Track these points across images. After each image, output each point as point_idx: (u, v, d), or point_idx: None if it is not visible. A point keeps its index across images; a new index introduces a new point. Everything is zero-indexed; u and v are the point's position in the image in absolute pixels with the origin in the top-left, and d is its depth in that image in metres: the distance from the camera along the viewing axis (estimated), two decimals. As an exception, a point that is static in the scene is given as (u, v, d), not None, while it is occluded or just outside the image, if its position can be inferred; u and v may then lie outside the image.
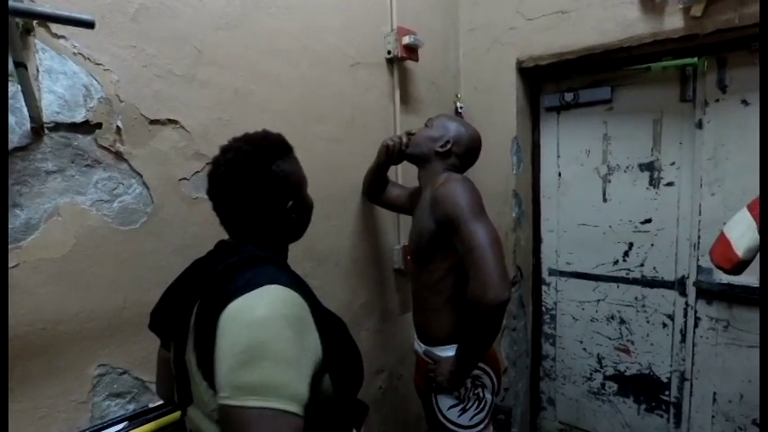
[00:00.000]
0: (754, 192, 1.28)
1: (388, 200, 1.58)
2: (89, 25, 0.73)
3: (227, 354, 0.58)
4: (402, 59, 1.69)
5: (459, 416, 1.22)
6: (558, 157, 2.14)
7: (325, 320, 0.69)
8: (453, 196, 1.13)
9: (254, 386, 0.56)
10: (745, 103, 1.69)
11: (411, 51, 1.69)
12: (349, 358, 0.74)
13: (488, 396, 1.25)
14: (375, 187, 1.56)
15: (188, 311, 0.71)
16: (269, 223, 0.77)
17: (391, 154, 1.41)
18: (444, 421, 1.23)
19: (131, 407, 0.98)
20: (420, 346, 1.33)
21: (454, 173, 1.28)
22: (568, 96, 2.04)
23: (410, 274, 1.37)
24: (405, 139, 1.39)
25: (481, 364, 1.22)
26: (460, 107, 2.08)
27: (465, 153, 1.32)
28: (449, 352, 1.22)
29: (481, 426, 1.25)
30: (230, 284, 0.65)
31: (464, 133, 1.32)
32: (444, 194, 1.15)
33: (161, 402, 0.98)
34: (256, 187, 0.74)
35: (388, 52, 1.67)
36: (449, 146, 1.29)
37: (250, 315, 0.60)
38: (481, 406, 1.24)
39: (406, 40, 1.64)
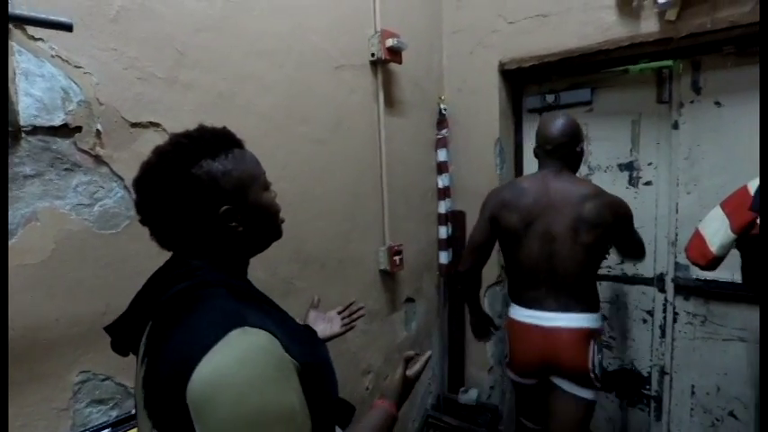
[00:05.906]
0: (728, 190, 1.33)
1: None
2: (67, 28, 0.72)
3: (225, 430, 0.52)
4: (386, 62, 1.70)
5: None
6: (541, 157, 2.17)
7: (296, 342, 0.62)
8: None
9: None
10: (718, 104, 1.74)
11: (395, 54, 1.70)
12: (323, 376, 0.68)
13: None
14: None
15: (138, 335, 0.66)
16: (202, 235, 0.66)
17: None
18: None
19: (114, 413, 0.97)
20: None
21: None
22: (550, 98, 2.07)
23: None
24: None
25: None
26: (444, 109, 2.10)
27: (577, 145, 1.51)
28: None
29: None
30: (181, 328, 0.58)
31: (567, 129, 1.48)
32: None
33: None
34: (173, 192, 0.62)
35: (372, 55, 1.68)
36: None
37: (234, 383, 0.52)
38: None
39: (390, 42, 1.66)
